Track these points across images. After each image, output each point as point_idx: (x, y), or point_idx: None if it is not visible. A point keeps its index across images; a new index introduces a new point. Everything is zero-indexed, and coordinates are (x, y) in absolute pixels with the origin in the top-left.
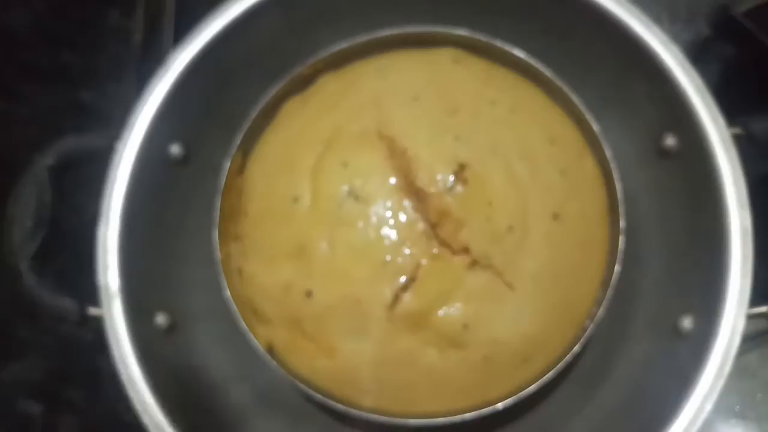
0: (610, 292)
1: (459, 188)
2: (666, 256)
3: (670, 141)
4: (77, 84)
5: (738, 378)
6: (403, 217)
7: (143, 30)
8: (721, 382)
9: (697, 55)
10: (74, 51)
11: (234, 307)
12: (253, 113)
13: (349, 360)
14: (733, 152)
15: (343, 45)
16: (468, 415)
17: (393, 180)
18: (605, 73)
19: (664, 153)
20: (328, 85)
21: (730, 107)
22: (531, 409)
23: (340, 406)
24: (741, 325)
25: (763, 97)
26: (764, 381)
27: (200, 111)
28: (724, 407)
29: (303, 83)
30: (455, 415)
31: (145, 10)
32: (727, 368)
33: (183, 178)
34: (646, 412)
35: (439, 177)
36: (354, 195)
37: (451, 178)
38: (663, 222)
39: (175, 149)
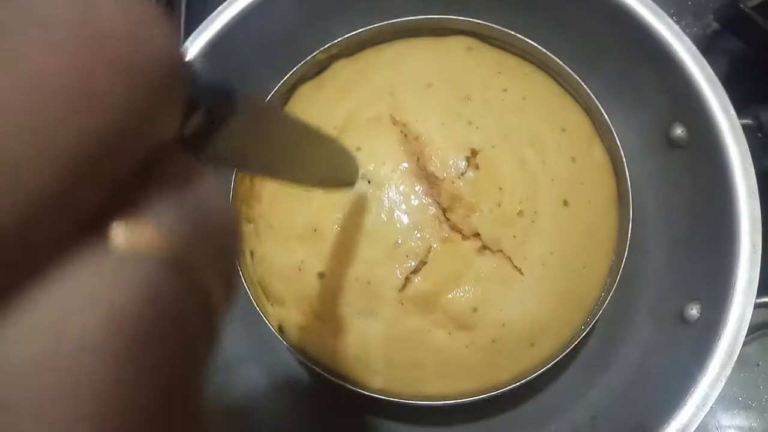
0: (617, 279)
1: (470, 173)
2: (672, 244)
3: (679, 131)
4: None
5: (741, 368)
6: (414, 202)
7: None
8: (728, 371)
9: (706, 50)
10: None
11: (246, 287)
12: (268, 98)
13: (359, 340)
14: (743, 142)
15: (357, 31)
16: (475, 398)
17: (405, 165)
18: (615, 63)
19: (672, 143)
20: (343, 71)
21: (739, 100)
22: (537, 392)
23: (349, 386)
24: (749, 314)
25: None
26: (766, 371)
27: None
28: (727, 396)
29: (317, 69)
30: (463, 397)
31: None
32: (734, 357)
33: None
34: (651, 398)
35: (450, 162)
36: (367, 179)
37: (463, 163)
38: (670, 211)
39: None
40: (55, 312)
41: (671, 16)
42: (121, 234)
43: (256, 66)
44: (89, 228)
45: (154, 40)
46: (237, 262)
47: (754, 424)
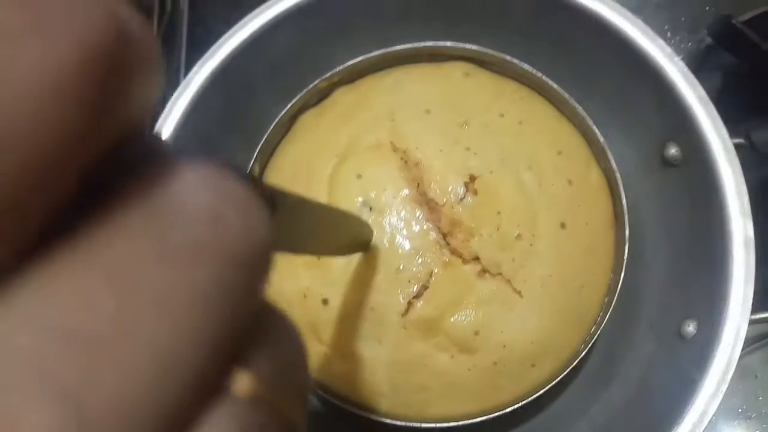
0: (614, 298)
1: (469, 198)
2: (670, 262)
3: (673, 150)
4: None
5: (741, 379)
6: (415, 227)
7: (158, 40)
8: (724, 387)
9: (700, 64)
10: None
11: None
12: (271, 126)
13: (364, 365)
14: (736, 162)
15: (358, 60)
16: (479, 420)
17: (406, 191)
18: (610, 84)
19: (667, 162)
20: (343, 99)
21: (733, 116)
22: (539, 411)
23: (356, 411)
24: (743, 331)
25: (765, 105)
26: (765, 382)
27: (220, 123)
28: (727, 407)
29: (319, 96)
30: (467, 419)
31: (158, 20)
32: (730, 373)
33: None
34: (651, 414)
35: (450, 188)
36: (368, 205)
37: (462, 189)
38: (667, 229)
39: None
40: None
41: (666, 32)
42: (241, 384)
43: (261, 91)
44: (214, 383)
45: (261, 232)
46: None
47: (754, 425)
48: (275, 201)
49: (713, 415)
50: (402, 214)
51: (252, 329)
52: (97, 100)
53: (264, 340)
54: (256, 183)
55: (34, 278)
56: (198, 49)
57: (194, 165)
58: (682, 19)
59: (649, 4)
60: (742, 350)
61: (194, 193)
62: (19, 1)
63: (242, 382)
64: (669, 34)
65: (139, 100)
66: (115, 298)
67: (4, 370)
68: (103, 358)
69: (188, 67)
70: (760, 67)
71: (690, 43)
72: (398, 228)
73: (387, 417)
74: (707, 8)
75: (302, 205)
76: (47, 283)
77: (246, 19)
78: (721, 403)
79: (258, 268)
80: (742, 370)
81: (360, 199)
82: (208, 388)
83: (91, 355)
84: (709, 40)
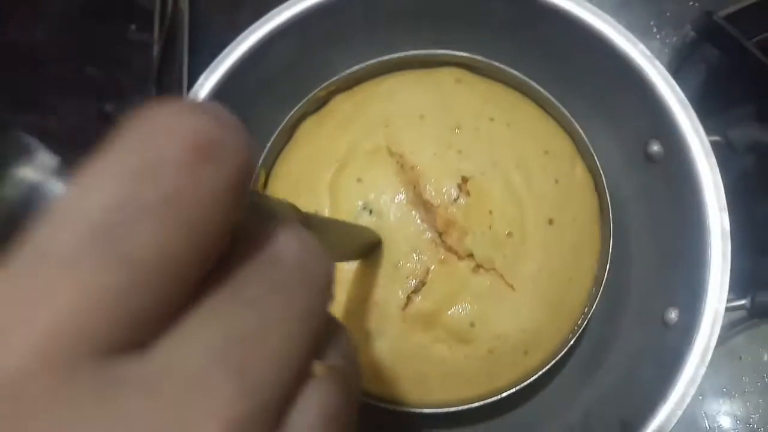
0: (600, 289)
1: (462, 199)
2: (654, 253)
3: (655, 147)
4: (101, 96)
5: (727, 360)
6: (412, 227)
7: (160, 43)
8: (702, 370)
9: (685, 58)
10: (97, 65)
11: None
12: (274, 134)
13: (368, 356)
14: (713, 159)
15: (354, 69)
16: (476, 405)
17: (403, 193)
18: (594, 85)
19: (650, 158)
20: (342, 106)
21: (717, 107)
22: (533, 396)
23: (361, 398)
24: (720, 318)
25: (746, 97)
26: (749, 363)
27: None
28: (713, 387)
29: (318, 104)
30: (465, 404)
31: (160, 23)
32: (708, 357)
33: None
34: (637, 397)
35: (444, 190)
36: (368, 208)
37: (455, 190)
38: (651, 222)
39: None
40: None
41: (651, 27)
42: (321, 369)
43: (264, 99)
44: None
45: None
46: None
47: (738, 413)
48: (309, 223)
49: (701, 395)
50: (400, 215)
51: (326, 331)
52: (242, 195)
53: (333, 337)
54: (304, 218)
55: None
56: (199, 50)
57: (282, 225)
58: (668, 14)
59: (635, 0)
60: (729, 332)
61: (288, 246)
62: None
63: (322, 368)
64: (655, 29)
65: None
66: (258, 318)
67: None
68: (255, 354)
69: (190, 69)
70: (740, 59)
71: (675, 38)
72: (397, 228)
73: (390, 403)
74: (691, 3)
75: (325, 223)
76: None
77: (245, 33)
78: (707, 383)
79: (328, 290)
80: (728, 352)
81: (360, 202)
82: (305, 373)
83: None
84: (693, 34)
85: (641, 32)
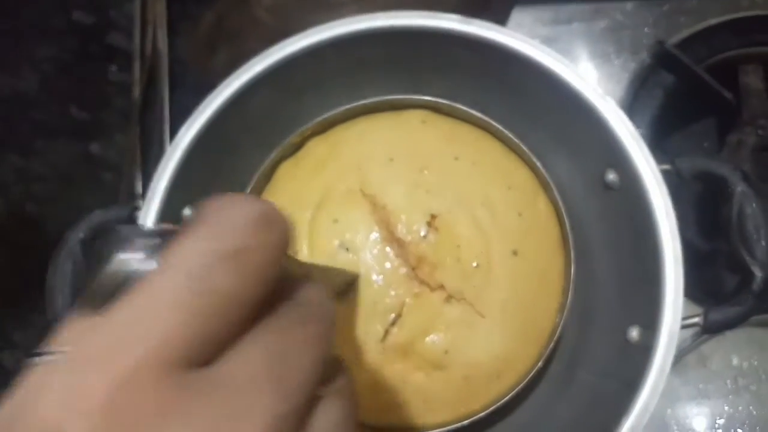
0: (564, 314)
1: (432, 235)
2: (616, 275)
3: (612, 176)
4: (86, 137)
5: (695, 367)
6: (387, 264)
7: (141, 83)
8: (662, 383)
9: (643, 82)
10: (81, 106)
11: None
12: (253, 179)
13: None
14: (664, 189)
15: (326, 115)
16: (453, 427)
17: (377, 232)
18: (554, 118)
19: (608, 186)
20: (316, 150)
21: (673, 129)
22: (508, 415)
23: None
24: (676, 336)
25: (701, 117)
26: (716, 369)
27: (207, 177)
28: (684, 393)
29: (294, 148)
30: (442, 427)
31: (141, 64)
32: (667, 370)
33: None
34: (606, 410)
35: (414, 227)
36: (345, 247)
37: (425, 227)
38: (613, 246)
39: (188, 212)
40: None
41: (610, 54)
42: (329, 389)
43: (245, 142)
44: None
45: None
46: None
47: (706, 417)
48: (309, 271)
49: (670, 398)
50: (375, 252)
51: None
52: (286, 252)
53: (336, 369)
54: (305, 267)
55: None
56: (180, 88)
57: (304, 281)
58: (625, 42)
59: (595, 29)
60: (696, 342)
61: (310, 292)
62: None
63: (329, 389)
64: (613, 56)
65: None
66: (291, 341)
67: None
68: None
69: (172, 107)
70: (694, 84)
71: (633, 63)
72: (373, 265)
73: (373, 429)
74: (647, 30)
75: (313, 269)
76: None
77: (224, 83)
78: (676, 389)
79: (334, 324)
80: (700, 359)
81: (337, 241)
82: (315, 395)
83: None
84: (649, 60)
85: (602, 59)
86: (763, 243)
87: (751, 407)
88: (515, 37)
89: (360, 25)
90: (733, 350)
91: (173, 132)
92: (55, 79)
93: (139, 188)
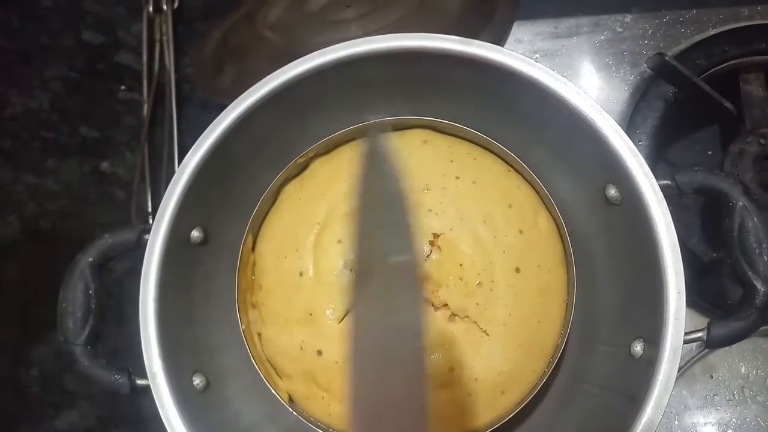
0: (569, 329)
1: (434, 255)
2: (620, 290)
3: (612, 191)
4: (96, 155)
5: (702, 378)
6: None
7: (149, 100)
8: (666, 398)
9: (643, 94)
10: (91, 125)
11: (257, 368)
12: (260, 200)
13: None
14: (664, 203)
15: (330, 136)
16: None
17: None
18: (555, 134)
19: (609, 201)
20: (320, 170)
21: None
22: (513, 430)
23: None
24: (680, 348)
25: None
26: (717, 381)
27: (214, 198)
28: (690, 403)
29: (299, 169)
30: None
31: (149, 82)
32: (671, 383)
33: (204, 255)
34: (610, 425)
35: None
36: (349, 267)
37: (428, 246)
38: (615, 261)
39: (196, 233)
40: None
41: (610, 66)
42: None
43: (251, 164)
44: None
45: None
46: None
47: (713, 427)
48: None
49: (677, 409)
50: None
51: None
52: None
53: None
54: None
55: None
56: (187, 104)
57: None
58: (624, 54)
59: (595, 42)
60: (702, 353)
61: None
62: None
63: None
64: (614, 68)
65: None
66: None
67: None
68: None
69: (179, 123)
70: (694, 94)
71: (633, 76)
72: None
73: None
74: (645, 42)
75: None
76: None
77: (229, 108)
78: (683, 400)
79: None
80: (705, 370)
81: (341, 261)
82: None
83: None
84: (649, 72)
85: (602, 71)
86: (766, 258)
87: (759, 418)
88: (513, 56)
89: (362, 48)
90: (739, 360)
91: (182, 148)
92: (65, 98)
93: (149, 205)
